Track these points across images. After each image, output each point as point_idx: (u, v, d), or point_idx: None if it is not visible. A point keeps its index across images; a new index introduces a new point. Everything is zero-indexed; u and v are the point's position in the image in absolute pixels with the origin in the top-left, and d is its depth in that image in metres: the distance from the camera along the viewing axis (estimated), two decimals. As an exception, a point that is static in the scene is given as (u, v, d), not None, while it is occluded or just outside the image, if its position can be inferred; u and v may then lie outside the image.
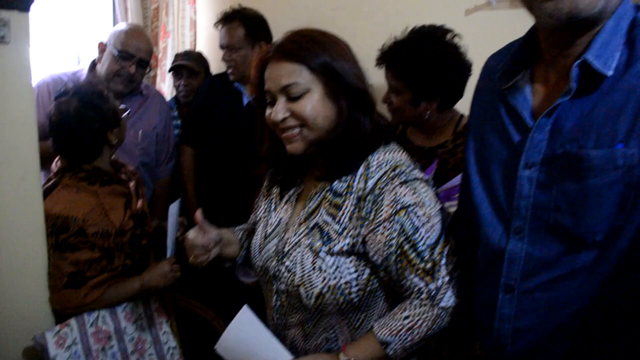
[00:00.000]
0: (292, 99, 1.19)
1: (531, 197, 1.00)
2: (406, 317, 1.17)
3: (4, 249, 1.56)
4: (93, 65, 2.48)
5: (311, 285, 1.20)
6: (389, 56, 1.81)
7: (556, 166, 0.97)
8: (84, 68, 2.51)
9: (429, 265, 1.15)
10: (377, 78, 1.88)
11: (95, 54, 2.48)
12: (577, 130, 0.94)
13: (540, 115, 0.99)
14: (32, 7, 1.53)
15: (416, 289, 1.17)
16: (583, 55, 0.92)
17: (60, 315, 1.72)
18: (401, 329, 1.16)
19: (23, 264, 1.63)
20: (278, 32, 2.61)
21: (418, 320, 1.16)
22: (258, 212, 1.48)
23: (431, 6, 2.44)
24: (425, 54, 1.73)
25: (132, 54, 2.38)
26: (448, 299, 1.16)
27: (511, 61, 1.08)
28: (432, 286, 1.15)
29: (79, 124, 1.75)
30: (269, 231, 1.37)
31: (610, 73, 0.91)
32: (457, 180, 1.54)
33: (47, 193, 1.75)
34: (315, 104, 1.19)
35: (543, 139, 0.98)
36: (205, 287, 2.25)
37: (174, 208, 1.79)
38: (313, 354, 1.28)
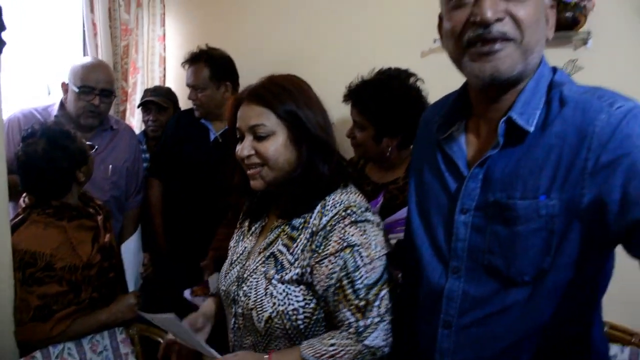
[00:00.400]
0: (258, 138, 1.32)
1: (467, 240, 1.09)
2: (332, 345, 1.24)
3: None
4: (62, 104, 2.52)
5: (262, 310, 1.29)
6: (356, 94, 1.95)
7: (488, 213, 1.06)
8: (55, 102, 2.56)
9: (362, 303, 1.23)
10: (341, 114, 2.00)
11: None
12: (506, 181, 1.04)
13: (473, 165, 1.09)
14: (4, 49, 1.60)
15: (347, 322, 1.24)
16: (508, 113, 1.03)
17: (26, 348, 1.74)
18: (325, 354, 1.23)
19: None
20: (245, 71, 2.74)
21: (341, 350, 1.23)
22: (231, 244, 1.57)
23: (390, 48, 2.57)
24: (391, 94, 1.87)
25: (93, 87, 2.42)
26: (373, 339, 1.23)
27: (447, 114, 1.19)
28: (361, 323, 1.23)
29: (47, 164, 1.80)
30: (234, 259, 1.47)
31: (532, 129, 1.02)
32: (400, 214, 1.63)
33: (15, 228, 1.79)
34: (278, 147, 1.31)
35: (476, 187, 1.08)
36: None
37: (128, 245, 1.87)
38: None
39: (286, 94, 1.32)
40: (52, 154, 1.81)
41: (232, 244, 1.55)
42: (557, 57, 2.30)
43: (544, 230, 0.99)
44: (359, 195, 1.37)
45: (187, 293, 2.05)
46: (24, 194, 1.91)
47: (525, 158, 1.02)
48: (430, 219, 1.19)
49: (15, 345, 1.74)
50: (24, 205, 1.88)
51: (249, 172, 1.35)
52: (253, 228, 1.49)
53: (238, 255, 1.47)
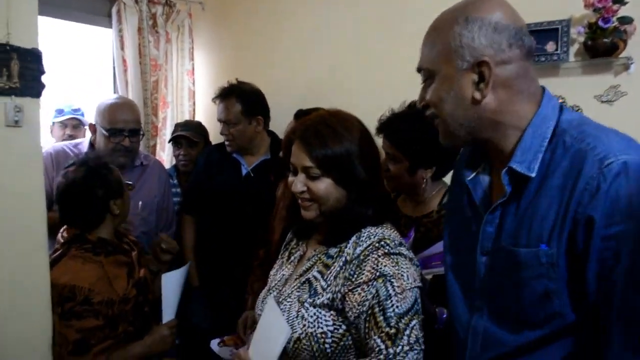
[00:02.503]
0: (311, 177, 1.39)
1: (486, 281, 1.15)
2: None
3: (11, 318, 1.60)
4: (91, 143, 2.58)
5: (292, 330, 1.33)
6: (388, 127, 1.95)
7: (500, 257, 1.12)
8: (84, 140, 2.63)
9: (392, 331, 1.25)
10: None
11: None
12: (514, 228, 1.10)
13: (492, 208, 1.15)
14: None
15: (377, 349, 1.26)
16: (509, 163, 1.08)
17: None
18: None
19: (30, 332, 1.67)
20: (274, 103, 2.75)
21: None
22: (271, 272, 1.62)
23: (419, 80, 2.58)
24: (424, 126, 1.85)
25: (122, 129, 2.46)
26: None
27: (473, 154, 1.25)
28: (390, 350, 1.24)
29: (84, 191, 1.86)
30: (272, 285, 1.54)
31: (533, 175, 1.07)
32: (435, 248, 1.64)
33: (54, 262, 1.81)
34: (328, 186, 1.39)
35: (492, 232, 1.14)
36: (203, 350, 2.29)
37: (169, 277, 1.88)
38: None
39: (336, 140, 1.38)
40: (89, 181, 1.86)
41: (272, 272, 1.61)
42: (597, 83, 2.29)
43: (545, 277, 1.04)
44: (394, 230, 1.43)
45: (214, 343, 2.01)
46: (62, 229, 1.94)
47: (531, 207, 1.08)
48: (459, 258, 1.26)
49: (53, 380, 1.75)
50: (62, 241, 1.91)
51: (302, 203, 1.43)
52: (292, 257, 1.55)
53: (276, 282, 1.53)
